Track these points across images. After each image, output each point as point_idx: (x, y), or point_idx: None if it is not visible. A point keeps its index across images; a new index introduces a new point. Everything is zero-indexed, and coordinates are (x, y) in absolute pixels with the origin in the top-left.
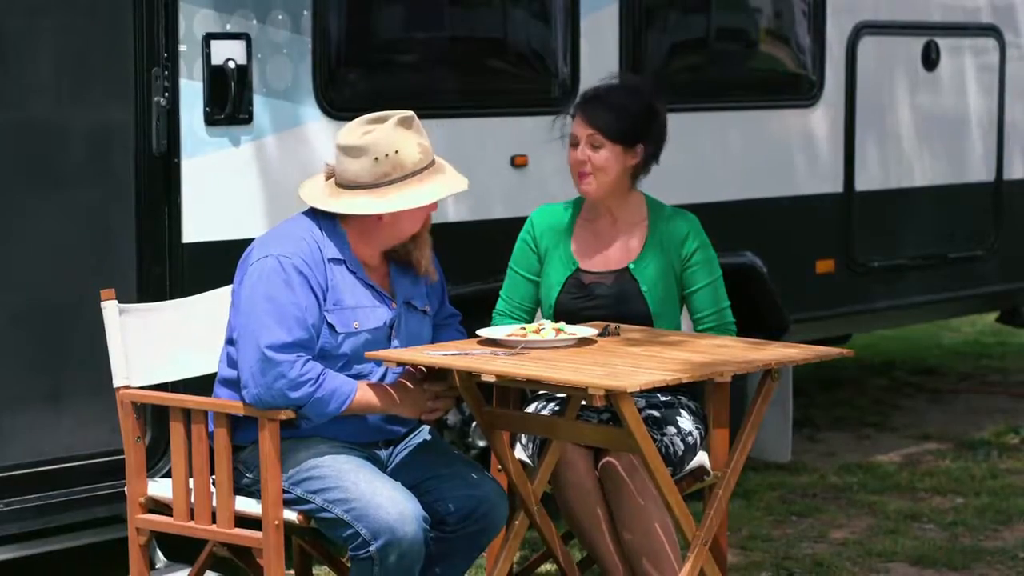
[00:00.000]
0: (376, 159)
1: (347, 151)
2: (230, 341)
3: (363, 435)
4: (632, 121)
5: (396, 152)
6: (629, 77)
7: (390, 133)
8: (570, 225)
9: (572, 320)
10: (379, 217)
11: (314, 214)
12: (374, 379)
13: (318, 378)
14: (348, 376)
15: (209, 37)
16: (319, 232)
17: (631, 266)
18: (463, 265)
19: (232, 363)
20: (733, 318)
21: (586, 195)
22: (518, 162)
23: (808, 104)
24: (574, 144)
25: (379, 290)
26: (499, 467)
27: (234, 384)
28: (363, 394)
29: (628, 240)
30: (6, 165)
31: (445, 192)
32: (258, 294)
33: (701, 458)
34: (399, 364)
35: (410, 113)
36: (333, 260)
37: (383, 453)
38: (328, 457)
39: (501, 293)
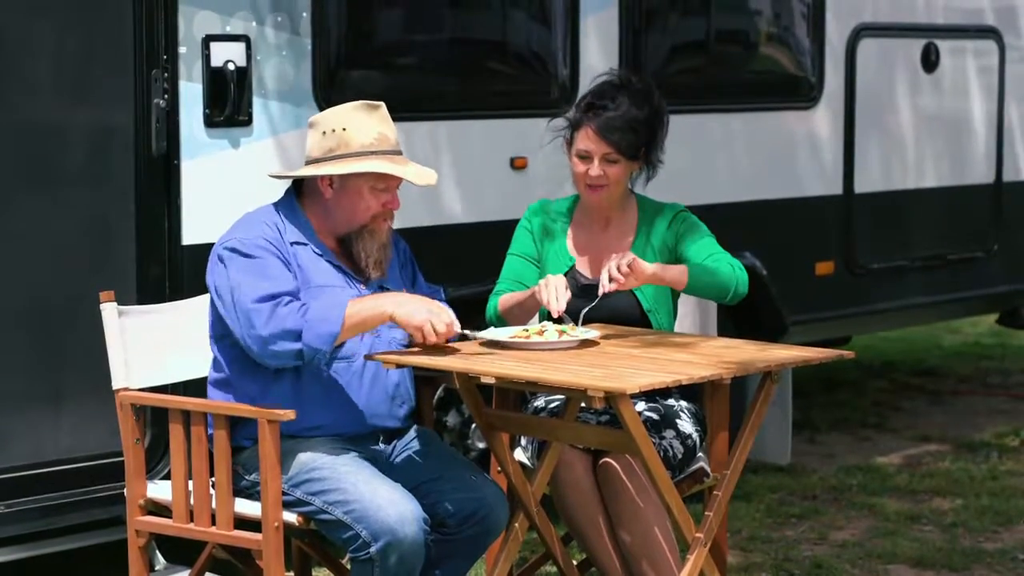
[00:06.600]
0: (324, 133)
1: (309, 125)
2: (214, 338)
3: (361, 422)
4: (646, 134)
5: (344, 129)
6: (630, 79)
7: (345, 112)
8: (566, 223)
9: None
10: (326, 195)
11: (275, 204)
12: (356, 361)
13: (305, 303)
14: (331, 360)
15: (209, 39)
16: (279, 217)
17: None
18: (462, 267)
19: (218, 364)
20: (737, 261)
21: (597, 206)
22: (518, 164)
23: (808, 106)
24: (584, 158)
25: (347, 272)
26: (499, 469)
27: (225, 385)
28: (357, 302)
29: (620, 242)
30: (6, 165)
31: (382, 169)
32: (233, 268)
33: (701, 460)
34: (399, 366)
35: (379, 103)
36: (296, 243)
37: (383, 449)
38: (328, 459)
39: (500, 277)
